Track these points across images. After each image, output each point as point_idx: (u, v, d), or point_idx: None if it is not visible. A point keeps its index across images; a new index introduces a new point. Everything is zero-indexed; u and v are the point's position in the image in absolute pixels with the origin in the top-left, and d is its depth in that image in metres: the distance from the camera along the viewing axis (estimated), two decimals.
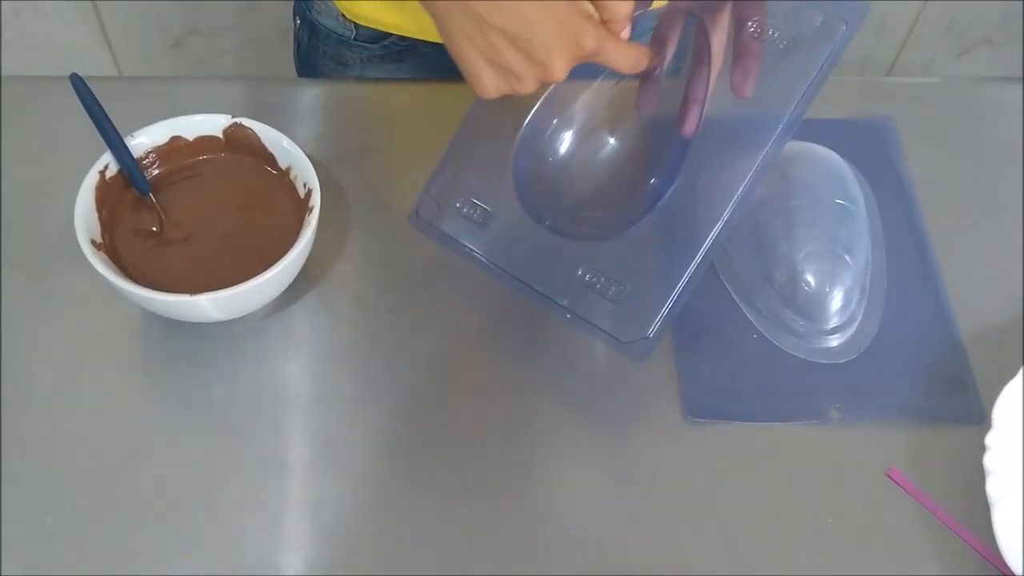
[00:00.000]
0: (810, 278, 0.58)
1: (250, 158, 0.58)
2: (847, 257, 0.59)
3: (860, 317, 0.59)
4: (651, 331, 0.52)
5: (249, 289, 0.52)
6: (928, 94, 0.75)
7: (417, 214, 0.58)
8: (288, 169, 0.58)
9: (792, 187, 0.60)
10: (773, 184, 0.61)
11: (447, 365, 0.58)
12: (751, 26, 0.53)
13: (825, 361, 0.58)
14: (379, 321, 0.59)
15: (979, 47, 1.43)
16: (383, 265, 0.61)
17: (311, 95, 0.70)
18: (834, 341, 0.59)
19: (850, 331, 0.59)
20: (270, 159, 0.58)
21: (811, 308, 0.58)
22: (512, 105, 0.57)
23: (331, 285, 0.60)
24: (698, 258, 0.52)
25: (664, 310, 0.52)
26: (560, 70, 0.46)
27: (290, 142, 0.57)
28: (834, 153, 0.62)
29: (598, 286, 0.54)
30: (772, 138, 0.52)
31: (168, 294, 0.51)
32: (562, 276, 0.54)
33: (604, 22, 0.48)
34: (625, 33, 0.50)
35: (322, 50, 0.77)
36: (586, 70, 0.56)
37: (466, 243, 0.57)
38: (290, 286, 0.57)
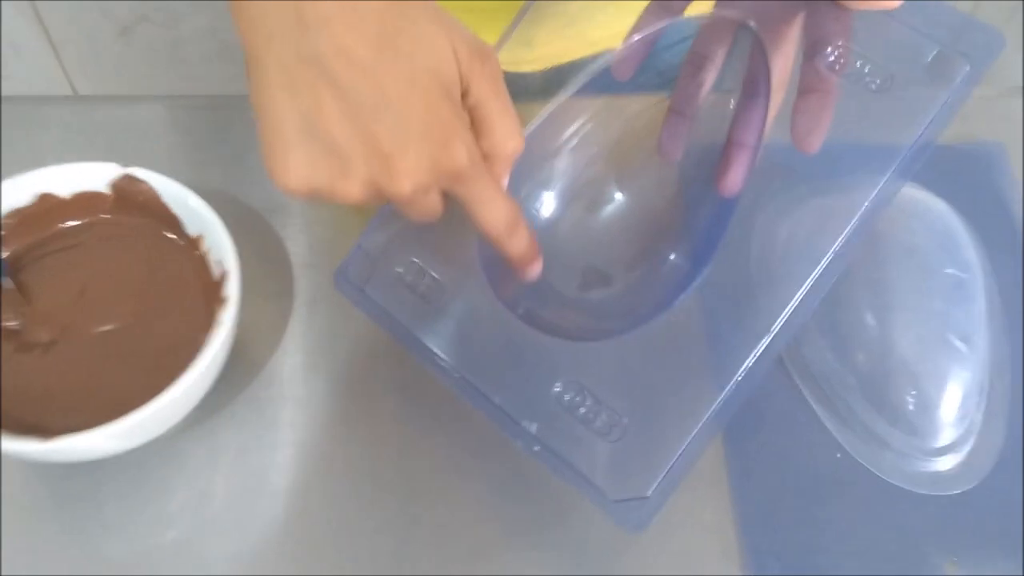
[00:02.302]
0: (914, 379, 0.43)
1: (146, 221, 0.43)
2: (964, 348, 0.43)
3: (979, 429, 0.44)
4: (651, 489, 0.36)
5: (132, 425, 0.36)
6: None
7: (345, 275, 0.42)
8: (198, 239, 0.42)
9: (886, 251, 0.45)
10: (859, 246, 0.45)
11: (424, 502, 0.43)
12: (831, 53, 0.37)
13: (933, 492, 0.43)
14: (334, 435, 0.44)
15: None
16: (339, 354, 0.46)
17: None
18: (946, 463, 0.43)
19: (966, 448, 0.44)
20: (173, 223, 0.42)
21: (915, 420, 0.43)
22: None
23: (267, 384, 0.45)
24: (735, 379, 0.36)
25: (675, 458, 0.36)
26: (408, 177, 0.31)
27: (199, 200, 0.41)
28: (940, 201, 0.47)
29: (581, 410, 0.37)
30: (853, 217, 0.37)
31: (9, 437, 0.35)
32: (532, 389, 0.38)
33: (486, 154, 0.33)
34: (503, 181, 0.35)
35: None
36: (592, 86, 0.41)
37: (404, 322, 0.40)
38: (214, 387, 0.41)
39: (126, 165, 0.42)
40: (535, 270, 0.37)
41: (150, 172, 0.42)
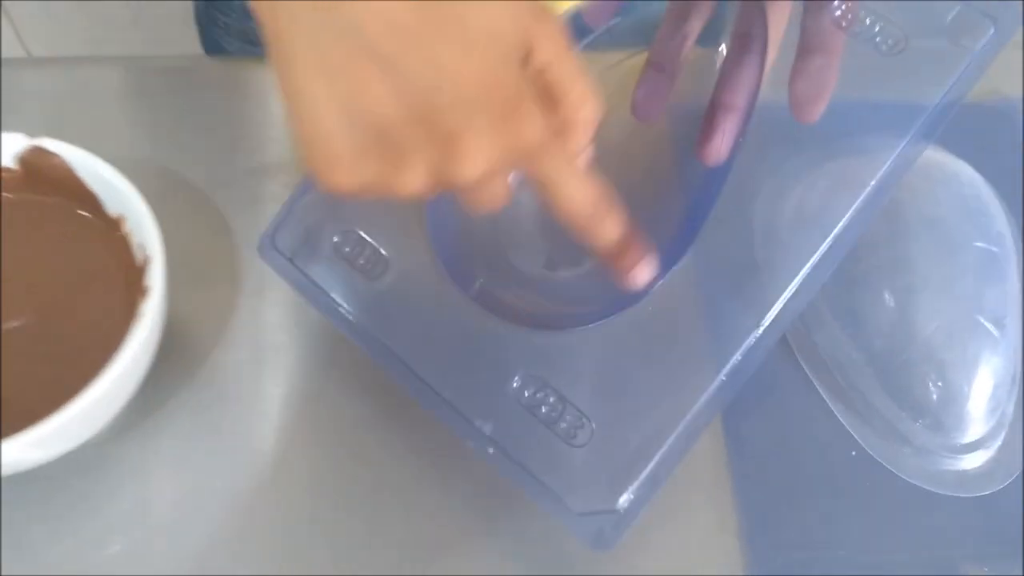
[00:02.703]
0: (939, 367, 0.38)
1: (60, 200, 0.37)
2: (996, 332, 0.38)
3: (1010, 422, 0.39)
4: (622, 501, 0.31)
5: (48, 433, 0.31)
6: None
7: (272, 242, 0.36)
8: (119, 219, 0.36)
9: (907, 223, 0.40)
10: (878, 219, 0.40)
11: (386, 510, 0.38)
12: (838, 7, 0.33)
13: (959, 493, 0.38)
14: (284, 440, 0.39)
15: None
16: (290, 350, 0.40)
17: (208, 79, 0.48)
18: (973, 460, 0.39)
19: (996, 443, 0.39)
20: (91, 201, 0.37)
21: (940, 413, 0.38)
22: None
23: (207, 384, 0.39)
24: (721, 375, 0.32)
25: (650, 465, 0.31)
26: (474, 159, 0.25)
27: (118, 175, 0.35)
28: (967, 166, 0.42)
29: (543, 409, 0.32)
30: (860, 196, 0.33)
31: None
32: (488, 384, 0.33)
33: (559, 128, 0.28)
34: (583, 155, 0.30)
35: (223, 23, 0.55)
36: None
37: (342, 303, 0.35)
38: (148, 388, 0.36)
39: (34, 135, 0.36)
40: (643, 273, 0.31)
41: (63, 143, 0.36)
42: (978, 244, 0.39)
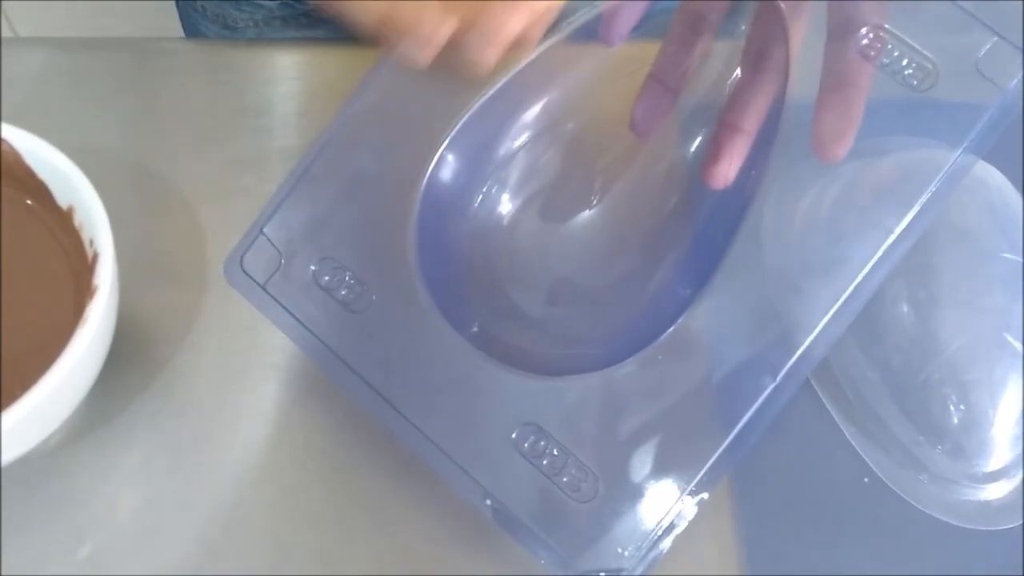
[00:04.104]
0: (962, 389, 0.35)
1: (7, 190, 0.34)
2: None
3: None
4: (630, 560, 0.29)
5: None
6: None
7: (240, 265, 0.32)
8: (70, 211, 0.33)
9: (931, 232, 0.37)
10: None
11: (357, 529, 0.35)
12: (865, 36, 0.30)
13: (981, 526, 0.35)
14: (248, 453, 0.36)
15: None
16: (259, 356, 0.37)
17: (181, 64, 0.45)
18: (997, 491, 0.36)
19: (1020, 473, 0.36)
20: (41, 192, 0.34)
21: (962, 438, 0.35)
22: (428, 99, 0.33)
23: (167, 392, 0.36)
24: (734, 431, 0.29)
25: (661, 521, 0.29)
26: None
27: (68, 163, 0.32)
28: (995, 171, 0.38)
29: (545, 462, 0.29)
30: (884, 243, 0.30)
31: None
32: (485, 432, 0.30)
33: None
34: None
35: (201, 7, 0.52)
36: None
37: (322, 338, 0.31)
38: (104, 394, 0.33)
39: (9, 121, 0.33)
40: None
41: (11, 128, 0.33)
42: (1007, 255, 0.36)
